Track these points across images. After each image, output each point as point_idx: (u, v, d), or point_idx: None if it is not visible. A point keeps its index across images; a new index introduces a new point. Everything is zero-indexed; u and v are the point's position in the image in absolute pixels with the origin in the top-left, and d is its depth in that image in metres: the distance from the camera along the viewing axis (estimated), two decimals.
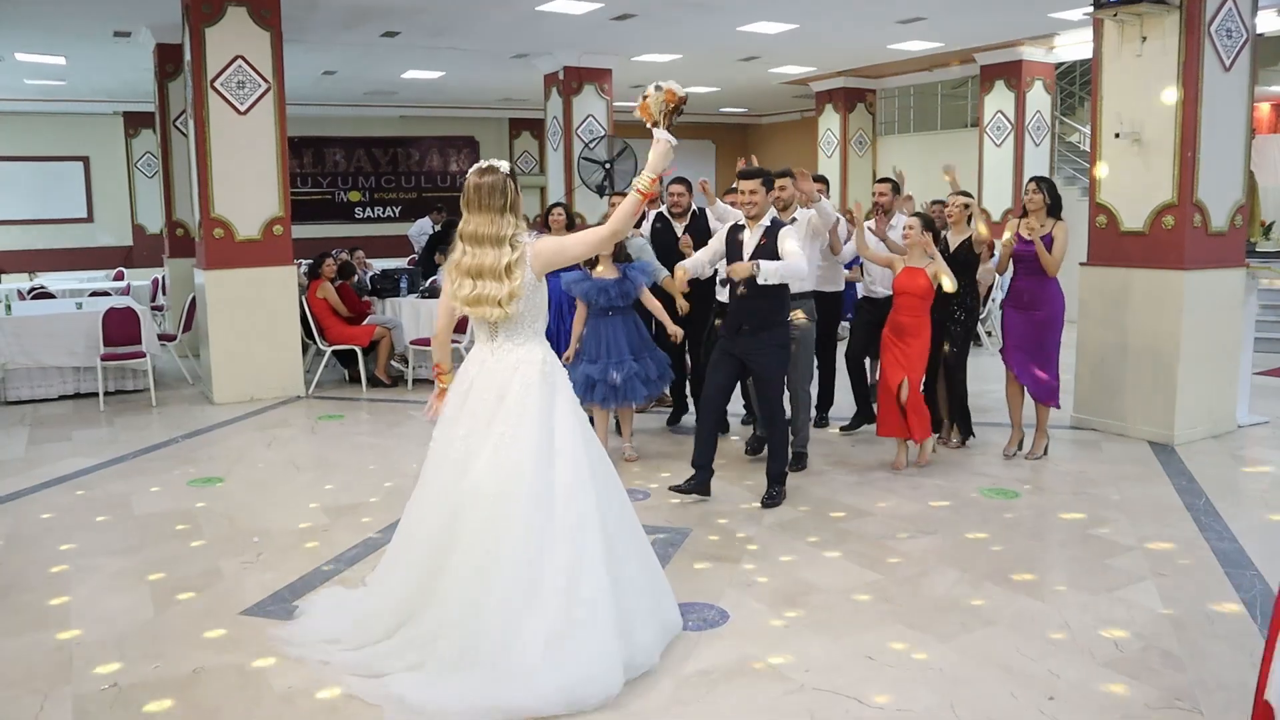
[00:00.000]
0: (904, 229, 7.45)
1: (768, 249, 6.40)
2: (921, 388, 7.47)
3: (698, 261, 6.71)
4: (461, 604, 4.09)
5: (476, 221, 4.25)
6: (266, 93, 10.16)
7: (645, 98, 4.67)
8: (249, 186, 10.22)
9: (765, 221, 6.51)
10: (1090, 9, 8.33)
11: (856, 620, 4.82)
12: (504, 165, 4.32)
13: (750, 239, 6.52)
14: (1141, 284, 8.29)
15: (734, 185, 8.11)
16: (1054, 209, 7.51)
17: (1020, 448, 7.74)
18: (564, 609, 4.02)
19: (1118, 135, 8.35)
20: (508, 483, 4.13)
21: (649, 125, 4.65)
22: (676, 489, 6.67)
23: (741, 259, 6.39)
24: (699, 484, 6.65)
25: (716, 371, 6.62)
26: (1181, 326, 8.07)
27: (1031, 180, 7.72)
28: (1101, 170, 8.56)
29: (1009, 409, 7.87)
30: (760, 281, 6.18)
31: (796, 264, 6.28)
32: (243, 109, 10.09)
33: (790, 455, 7.03)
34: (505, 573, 4.04)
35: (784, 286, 6.47)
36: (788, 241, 6.39)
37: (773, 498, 6.59)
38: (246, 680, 4.27)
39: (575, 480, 4.20)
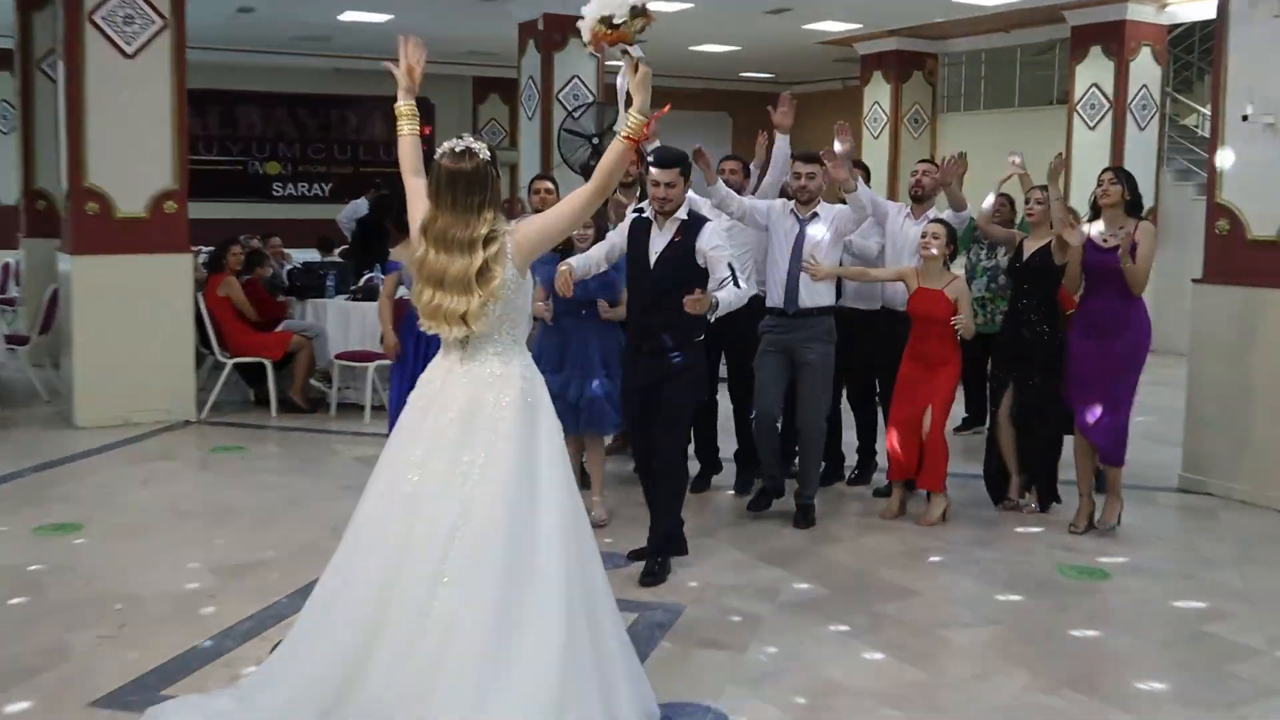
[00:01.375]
0: (922, 239, 7.52)
1: (681, 252, 6.43)
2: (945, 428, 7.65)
3: (589, 259, 6.76)
4: (407, 685, 4.03)
5: (446, 220, 4.29)
6: (162, 31, 10.09)
7: (612, 23, 4.58)
8: (135, 150, 10.12)
9: (681, 215, 6.52)
10: None
11: None
12: (481, 147, 4.36)
13: (659, 239, 6.54)
14: (1274, 308, 8.22)
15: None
16: (1134, 206, 7.40)
17: (1091, 522, 7.55)
18: (538, 691, 3.99)
19: (1246, 118, 8.28)
20: (476, 527, 4.12)
21: (612, 46, 4.64)
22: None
23: (648, 261, 6.52)
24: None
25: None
26: None
27: (1106, 171, 7.64)
28: (1224, 161, 8.47)
29: (1076, 469, 7.70)
30: (712, 319, 6.31)
31: (736, 293, 6.35)
32: (130, 51, 10.01)
33: (763, 497, 7.78)
34: (466, 644, 4.01)
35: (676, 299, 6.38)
36: (714, 249, 6.45)
37: (652, 574, 6.41)
38: None
39: (560, 527, 4.22)
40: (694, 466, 8.12)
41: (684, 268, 6.41)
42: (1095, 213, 7.51)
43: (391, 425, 4.82)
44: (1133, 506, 7.98)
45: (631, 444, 8.09)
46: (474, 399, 4.28)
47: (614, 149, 4.36)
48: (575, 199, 4.45)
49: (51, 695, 4.90)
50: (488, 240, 4.26)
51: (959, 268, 8.66)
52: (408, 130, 4.66)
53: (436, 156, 4.34)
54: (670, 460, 6.62)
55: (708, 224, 6.57)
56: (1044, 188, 7.76)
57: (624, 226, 6.81)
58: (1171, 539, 7.55)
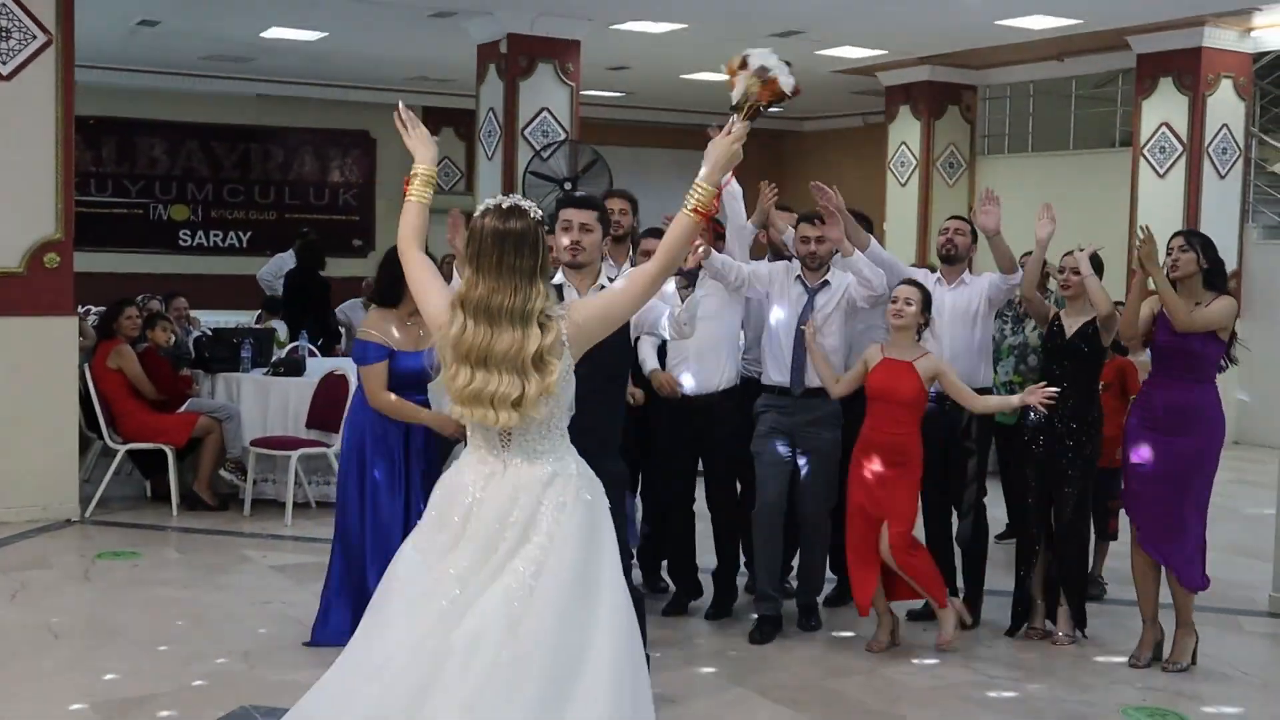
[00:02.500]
0: (892, 304, 7.48)
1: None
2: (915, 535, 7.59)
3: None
4: None
5: (489, 286, 4.28)
6: (46, 47, 10.18)
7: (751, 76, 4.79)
8: (9, 191, 10.18)
9: (603, 281, 6.38)
10: None
11: None
12: (531, 205, 4.43)
13: None
14: None
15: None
16: (1213, 275, 7.33)
17: (1158, 655, 7.46)
18: None
19: None
20: (524, 642, 4.13)
21: (740, 109, 4.77)
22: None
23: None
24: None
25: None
26: None
27: (1176, 236, 7.53)
28: None
29: (1138, 591, 7.58)
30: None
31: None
32: (5, 71, 10.07)
33: (766, 626, 7.69)
34: None
35: (617, 394, 6.33)
36: (648, 314, 6.22)
37: None
38: None
39: (614, 654, 4.23)
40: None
41: (616, 351, 5.90)
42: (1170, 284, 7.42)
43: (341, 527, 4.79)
44: (1215, 634, 7.98)
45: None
46: (528, 508, 4.29)
47: (681, 223, 4.42)
48: (638, 279, 4.53)
49: None
50: (543, 323, 4.29)
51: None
52: (417, 197, 4.74)
53: (477, 215, 4.40)
54: None
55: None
56: (1073, 252, 7.77)
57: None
58: (1262, 674, 7.50)
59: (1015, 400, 7.42)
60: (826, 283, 7.75)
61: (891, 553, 7.29)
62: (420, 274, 4.59)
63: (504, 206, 4.35)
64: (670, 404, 7.85)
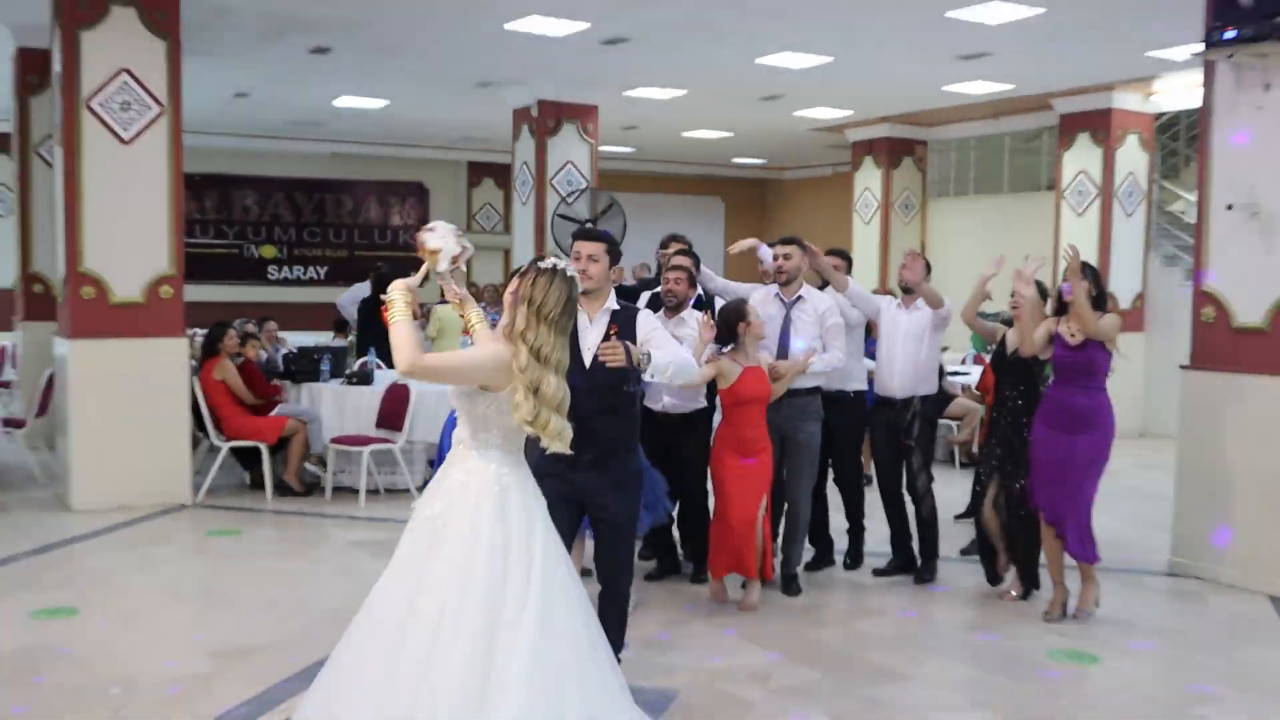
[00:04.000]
0: (749, 319, 7.41)
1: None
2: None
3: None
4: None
5: (544, 340, 4.51)
6: (159, 117, 10.20)
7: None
8: (131, 235, 10.19)
9: (611, 305, 5.91)
10: (1200, 48, 8.44)
11: None
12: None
13: (592, 331, 5.80)
14: (1259, 394, 8.30)
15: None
16: (1099, 300, 7.34)
17: (1064, 610, 7.48)
18: None
19: (1230, 207, 8.41)
20: None
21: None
22: None
23: (582, 360, 5.55)
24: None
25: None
26: None
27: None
28: (1210, 250, 8.59)
29: (1048, 559, 7.59)
30: (648, 378, 5.70)
31: (687, 357, 5.96)
32: (127, 136, 10.11)
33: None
34: None
35: (628, 396, 5.88)
36: (655, 333, 5.85)
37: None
38: None
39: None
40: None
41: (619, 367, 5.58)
42: (1060, 309, 7.44)
43: None
44: (1122, 590, 8.06)
45: (687, 536, 8.30)
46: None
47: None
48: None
49: None
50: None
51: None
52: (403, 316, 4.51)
53: (557, 276, 4.56)
54: (618, 586, 5.82)
55: (641, 313, 5.99)
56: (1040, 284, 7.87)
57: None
58: (1159, 624, 7.55)
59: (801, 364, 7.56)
60: (801, 298, 7.84)
61: (765, 521, 7.41)
62: (454, 363, 4.73)
63: (564, 272, 4.58)
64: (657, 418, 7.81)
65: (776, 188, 26.16)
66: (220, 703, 5.79)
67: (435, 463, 6.84)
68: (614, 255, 5.99)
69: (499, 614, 4.34)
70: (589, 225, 14.47)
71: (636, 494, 5.89)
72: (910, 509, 8.36)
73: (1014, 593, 7.89)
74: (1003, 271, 7.75)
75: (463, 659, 4.26)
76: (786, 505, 7.95)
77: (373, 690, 4.31)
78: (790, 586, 7.86)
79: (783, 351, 7.77)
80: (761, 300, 7.85)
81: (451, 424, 7.34)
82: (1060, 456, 7.29)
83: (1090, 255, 15.88)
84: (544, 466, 4.96)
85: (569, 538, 5.44)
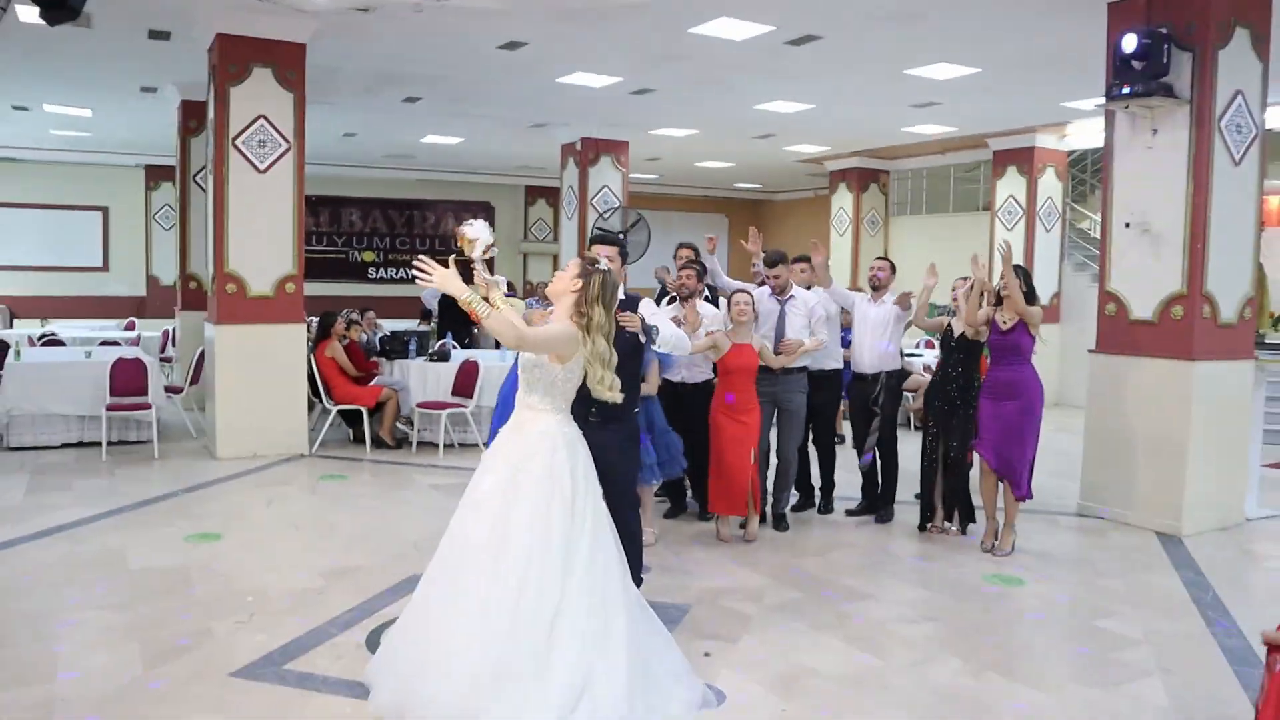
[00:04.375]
0: (737, 306, 7.43)
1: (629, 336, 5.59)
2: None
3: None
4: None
5: (602, 318, 4.56)
6: (287, 152, 10.20)
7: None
8: (264, 243, 10.21)
9: (620, 295, 5.62)
10: (1103, 100, 8.35)
11: (858, 707, 4.70)
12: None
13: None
14: (1150, 373, 8.23)
15: (755, 264, 8.35)
16: (1029, 295, 7.29)
17: (996, 539, 7.45)
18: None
19: (1128, 225, 8.33)
20: None
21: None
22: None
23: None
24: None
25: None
26: (1190, 416, 7.99)
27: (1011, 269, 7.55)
28: (1111, 258, 8.51)
29: (984, 502, 7.56)
30: (655, 346, 5.88)
31: (681, 334, 6.13)
32: (262, 167, 10.11)
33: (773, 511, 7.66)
34: None
35: (633, 369, 5.58)
36: (653, 316, 5.95)
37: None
38: None
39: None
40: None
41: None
42: (998, 301, 7.39)
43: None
44: (1041, 527, 8.03)
45: (696, 485, 8.19)
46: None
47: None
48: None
49: (200, 668, 4.95)
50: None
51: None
52: (500, 305, 4.48)
53: (604, 270, 4.60)
54: (627, 521, 5.29)
55: (642, 300, 5.97)
56: (965, 278, 7.84)
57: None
58: (1071, 554, 7.51)
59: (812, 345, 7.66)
60: (792, 297, 7.85)
61: (754, 468, 7.36)
62: (545, 336, 4.46)
63: (609, 270, 4.66)
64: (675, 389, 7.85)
65: (769, 207, 26.04)
66: (331, 610, 5.81)
67: (494, 421, 6.81)
68: (623, 256, 5.96)
69: (573, 555, 4.31)
70: (619, 235, 14.43)
71: (635, 449, 5.70)
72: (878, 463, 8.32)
73: (954, 529, 7.86)
74: (938, 279, 7.83)
75: (547, 594, 4.22)
76: (777, 460, 7.93)
77: (469, 616, 4.23)
78: (780, 524, 7.86)
79: (779, 338, 7.75)
80: (760, 297, 7.82)
81: (507, 392, 7.40)
82: (1001, 419, 7.26)
83: (1017, 261, 15.76)
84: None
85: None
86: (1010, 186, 16.16)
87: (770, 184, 24.11)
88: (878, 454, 8.27)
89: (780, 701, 4.73)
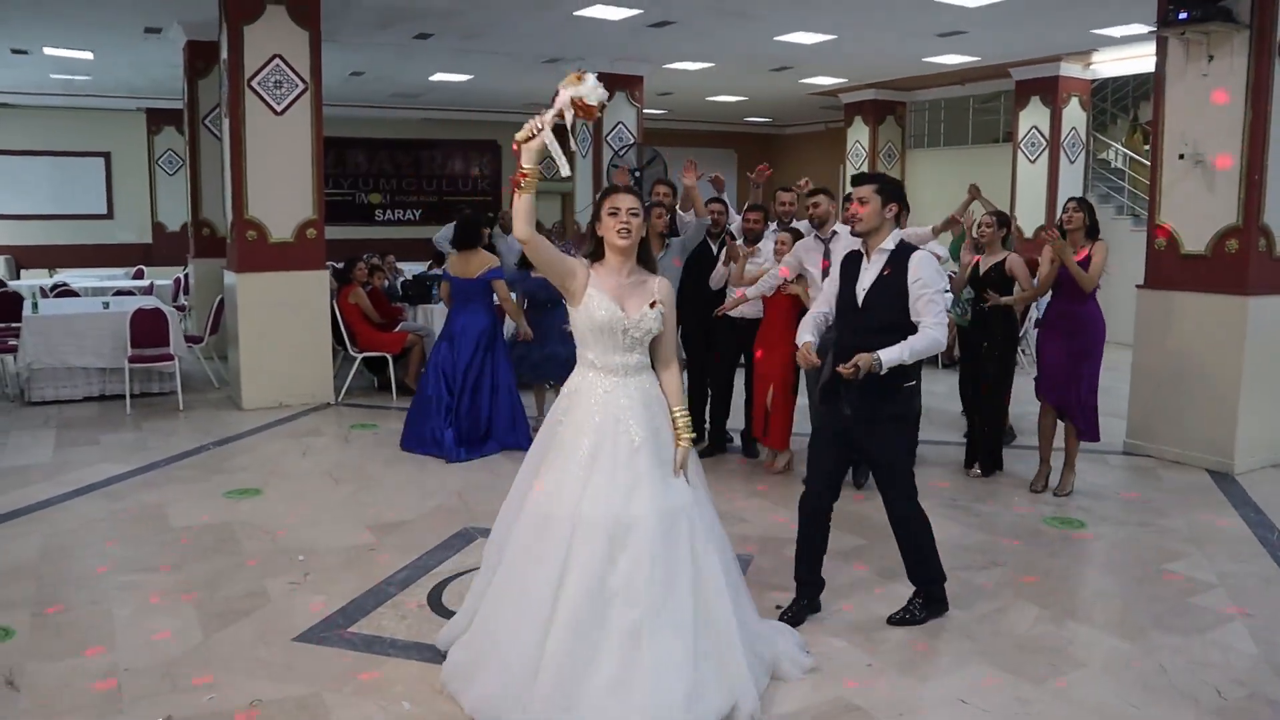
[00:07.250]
0: (776, 242, 7.53)
1: (891, 287, 4.82)
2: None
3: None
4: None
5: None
6: (304, 93, 9.94)
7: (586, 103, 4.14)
8: (283, 188, 9.97)
9: (888, 245, 4.89)
10: (1154, 27, 8.10)
11: (943, 659, 4.59)
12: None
13: (867, 272, 4.93)
14: (1202, 309, 8.06)
15: (751, 203, 8.13)
16: (1092, 230, 7.14)
17: (1046, 484, 7.31)
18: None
19: (1182, 156, 8.11)
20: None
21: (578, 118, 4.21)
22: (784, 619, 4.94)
23: (855, 299, 4.90)
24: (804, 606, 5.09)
25: (822, 456, 5.08)
26: (1243, 353, 7.84)
27: (1071, 200, 7.35)
28: (1163, 192, 8.31)
29: (1040, 442, 7.41)
30: (883, 372, 4.69)
31: (935, 334, 4.74)
32: (279, 109, 9.85)
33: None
34: None
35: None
36: (916, 282, 4.78)
37: (910, 614, 5.04)
38: (311, 715, 4.03)
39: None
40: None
41: (896, 306, 4.79)
42: (1062, 234, 7.14)
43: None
44: (1091, 467, 7.91)
45: (716, 419, 8.30)
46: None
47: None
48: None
49: (262, 632, 4.83)
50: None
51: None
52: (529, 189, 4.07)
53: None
54: (907, 516, 4.99)
55: (915, 253, 4.88)
56: (993, 213, 7.66)
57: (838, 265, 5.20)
58: (1125, 493, 7.37)
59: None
60: (835, 233, 7.24)
61: (775, 399, 7.55)
62: (549, 253, 4.13)
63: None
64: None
65: (779, 141, 25.66)
66: (386, 568, 5.68)
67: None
68: (891, 194, 4.97)
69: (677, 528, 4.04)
70: (638, 175, 14.21)
71: (900, 431, 5.05)
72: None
73: (977, 471, 7.70)
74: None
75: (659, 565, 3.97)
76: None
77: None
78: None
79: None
80: (807, 244, 7.37)
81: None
82: (1061, 357, 7.10)
83: (1041, 195, 15.75)
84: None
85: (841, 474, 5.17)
86: (1034, 117, 15.84)
87: (781, 118, 23.75)
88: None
89: (865, 656, 4.62)
